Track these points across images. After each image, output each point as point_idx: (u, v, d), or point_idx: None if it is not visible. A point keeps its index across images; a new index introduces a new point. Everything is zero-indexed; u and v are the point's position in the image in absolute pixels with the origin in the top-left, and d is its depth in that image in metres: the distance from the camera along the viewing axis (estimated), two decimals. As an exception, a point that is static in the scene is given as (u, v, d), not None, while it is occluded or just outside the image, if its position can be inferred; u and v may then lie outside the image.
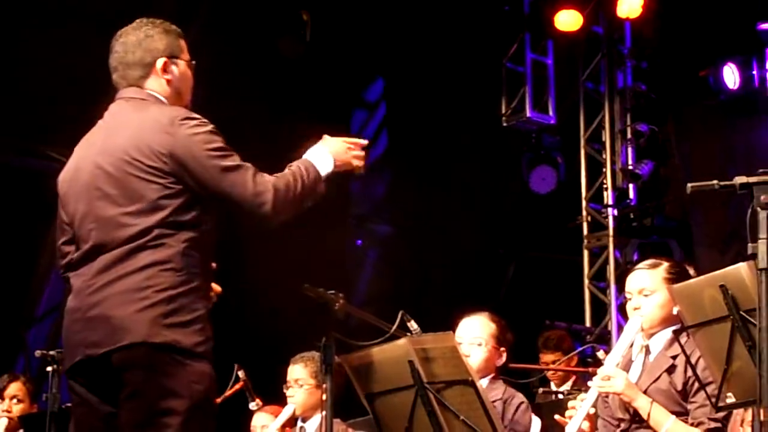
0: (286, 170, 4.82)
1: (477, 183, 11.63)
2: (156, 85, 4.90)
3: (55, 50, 10.25)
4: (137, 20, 5.05)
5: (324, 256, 10.03)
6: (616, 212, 12.01)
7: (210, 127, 4.75)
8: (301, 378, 7.23)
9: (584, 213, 12.10)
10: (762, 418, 4.39)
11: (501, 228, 11.84)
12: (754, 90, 11.64)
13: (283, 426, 7.25)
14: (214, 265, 4.95)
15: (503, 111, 11.77)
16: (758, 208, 4.43)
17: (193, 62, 5.06)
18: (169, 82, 4.91)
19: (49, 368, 6.59)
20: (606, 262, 11.91)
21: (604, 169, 12.18)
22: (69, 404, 6.14)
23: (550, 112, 11.96)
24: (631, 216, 11.97)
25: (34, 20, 10.21)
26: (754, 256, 4.27)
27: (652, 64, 12.33)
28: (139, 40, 4.94)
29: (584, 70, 12.33)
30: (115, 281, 4.58)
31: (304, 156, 4.94)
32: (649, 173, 12.13)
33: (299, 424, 7.32)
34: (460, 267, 11.27)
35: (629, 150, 12.19)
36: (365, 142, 5.15)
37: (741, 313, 4.61)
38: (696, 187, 4.82)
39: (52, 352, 6.59)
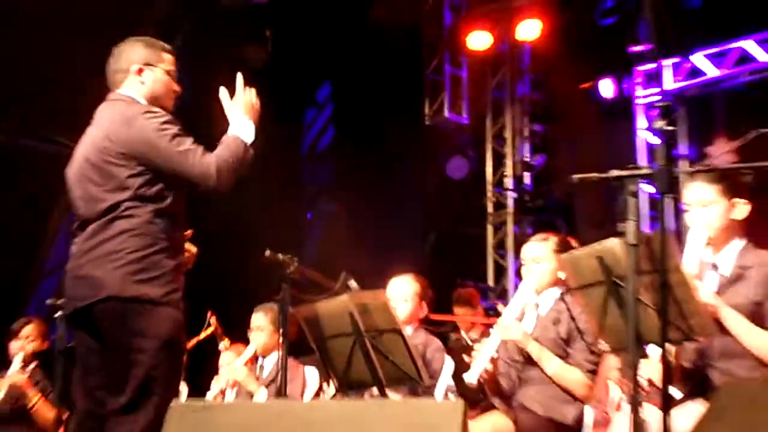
0: (220, 145, 4.91)
1: (405, 170, 11.62)
2: (132, 88, 5.00)
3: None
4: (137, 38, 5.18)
5: (282, 226, 10.00)
6: (515, 195, 12.09)
7: (165, 118, 4.86)
8: (261, 324, 7.26)
9: (489, 195, 12.18)
10: (630, 361, 4.46)
11: (424, 207, 11.79)
12: (625, 99, 11.75)
13: (247, 362, 7.25)
14: (188, 231, 5.16)
15: (426, 113, 11.85)
16: (627, 196, 4.50)
17: (174, 71, 5.12)
18: (143, 84, 4.98)
19: (56, 314, 6.61)
20: (505, 235, 12.01)
21: (505, 161, 12.25)
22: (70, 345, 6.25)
23: (464, 115, 12.04)
24: (527, 198, 12.05)
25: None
26: (624, 234, 4.34)
27: (546, 77, 12.41)
28: (122, 51, 5.08)
29: (492, 81, 12.38)
30: (96, 246, 4.76)
31: (230, 131, 5.00)
32: (542, 165, 12.26)
33: (260, 361, 7.35)
34: (391, 238, 11.27)
35: (526, 146, 12.32)
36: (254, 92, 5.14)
37: (613, 279, 4.67)
38: (580, 178, 4.87)
39: (59, 302, 6.61)
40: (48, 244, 11.74)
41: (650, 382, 4.76)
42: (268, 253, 5.89)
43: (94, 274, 4.69)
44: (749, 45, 10.84)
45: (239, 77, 5.05)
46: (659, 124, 4.22)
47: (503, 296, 11.51)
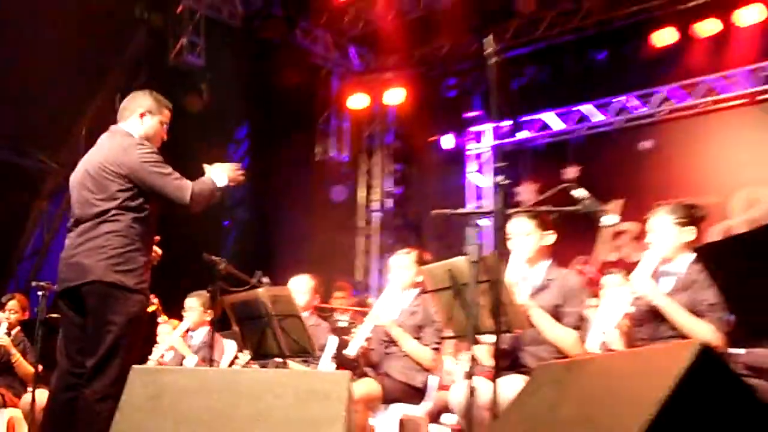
0: (198, 181, 4.94)
1: (300, 193, 11.66)
2: (132, 126, 5.00)
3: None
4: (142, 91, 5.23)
5: (207, 229, 9.94)
6: (380, 215, 12.18)
7: (152, 149, 4.90)
8: (193, 306, 7.17)
9: (360, 214, 12.31)
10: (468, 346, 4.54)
11: (312, 221, 11.80)
12: (459, 150, 11.95)
13: (182, 335, 7.17)
14: (157, 237, 5.08)
15: (317, 151, 11.89)
16: (470, 227, 4.60)
17: (168, 123, 5.17)
18: (141, 125, 5.01)
19: (39, 292, 6.56)
20: (371, 244, 12.13)
21: (373, 190, 12.35)
22: (52, 315, 6.17)
23: (345, 154, 12.11)
24: (388, 218, 12.16)
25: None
26: (467, 254, 4.43)
27: (404, 131, 12.50)
28: (136, 96, 5.09)
29: (366, 131, 12.45)
30: (86, 242, 4.74)
31: (207, 174, 5.05)
32: (400, 194, 12.36)
33: (190, 333, 7.25)
34: (286, 243, 11.30)
35: (389, 180, 12.41)
36: (241, 165, 5.24)
37: (459, 285, 4.78)
38: (437, 213, 4.97)
39: (42, 283, 6.56)
40: (25, 239, 11.47)
41: (475, 359, 4.86)
42: (204, 255, 5.90)
43: (84, 262, 4.67)
44: (549, 117, 11.17)
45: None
46: (498, 178, 4.27)
47: (367, 289, 11.55)
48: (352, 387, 3.89)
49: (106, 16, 9.86)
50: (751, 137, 10.18)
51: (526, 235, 5.31)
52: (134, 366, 4.06)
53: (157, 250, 5.07)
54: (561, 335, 5.16)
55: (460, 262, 4.80)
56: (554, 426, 3.10)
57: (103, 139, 5.00)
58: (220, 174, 5.01)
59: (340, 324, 7.12)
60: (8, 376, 7.52)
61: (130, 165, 4.75)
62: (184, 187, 4.78)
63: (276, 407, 3.70)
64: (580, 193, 4.68)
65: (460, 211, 6.32)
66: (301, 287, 6.71)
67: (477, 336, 4.67)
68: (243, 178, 5.18)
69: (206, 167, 5.09)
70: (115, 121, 5.06)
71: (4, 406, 7.38)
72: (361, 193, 12.36)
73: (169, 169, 4.82)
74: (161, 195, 4.79)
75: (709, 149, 10.51)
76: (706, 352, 2.71)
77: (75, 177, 4.96)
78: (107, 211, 4.71)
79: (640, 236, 10.02)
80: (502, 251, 4.52)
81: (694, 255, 5.00)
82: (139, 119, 4.96)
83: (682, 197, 9.81)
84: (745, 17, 9.73)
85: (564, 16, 10.65)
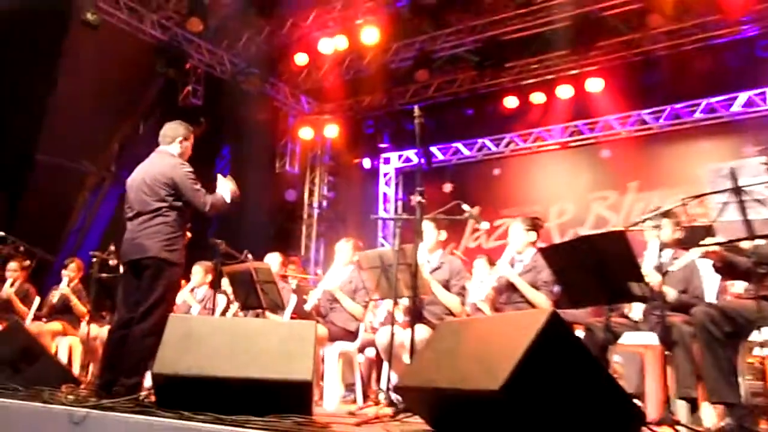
0: (214, 195, 4.88)
1: (264, 195, 11.46)
2: (174, 148, 4.93)
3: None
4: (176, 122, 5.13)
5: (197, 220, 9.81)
6: (318, 211, 12.15)
7: (190, 169, 4.81)
8: (199, 271, 7.08)
9: (305, 210, 12.20)
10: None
11: (271, 214, 11.64)
12: (375, 170, 12.00)
13: (190, 291, 7.10)
14: (189, 234, 5.01)
15: (277, 166, 11.83)
16: (397, 228, 4.71)
17: (189, 142, 5.08)
18: (180, 147, 4.97)
19: (93, 259, 6.46)
20: (312, 231, 12.05)
21: (314, 194, 12.29)
22: (102, 275, 6.05)
23: (296, 169, 12.02)
24: (323, 214, 12.12)
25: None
26: (394, 246, 4.54)
27: (338, 154, 12.46)
28: (173, 126, 5.01)
29: (311, 154, 12.38)
30: (145, 228, 4.65)
31: (217, 190, 4.95)
32: (332, 197, 12.34)
33: (195, 290, 7.15)
34: (256, 231, 11.05)
35: (325, 188, 12.35)
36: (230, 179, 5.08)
37: (386, 266, 4.90)
38: (374, 217, 5.09)
39: (97, 252, 6.45)
40: (73, 220, 11.14)
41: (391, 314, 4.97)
42: (211, 239, 5.91)
43: (143, 242, 4.65)
44: (435, 150, 11.25)
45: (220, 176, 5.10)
46: (418, 198, 4.38)
47: (308, 263, 11.51)
48: (316, 331, 3.99)
49: (137, 66, 9.71)
50: (562, 170, 10.54)
51: (430, 233, 5.49)
52: (171, 314, 4.10)
53: (188, 234, 5.03)
54: (450, 300, 5.35)
55: (387, 250, 4.94)
56: (455, 359, 3.16)
57: (154, 157, 4.95)
58: (227, 191, 4.97)
59: (300, 286, 7.14)
60: (68, 315, 7.41)
61: (176, 179, 4.74)
62: (205, 201, 4.78)
63: (266, 345, 3.77)
64: (467, 207, 4.88)
65: (391, 216, 6.53)
66: (275, 261, 6.77)
67: (397, 299, 4.84)
68: (234, 187, 5.07)
69: (219, 177, 5.03)
70: (138, 140, 5.09)
71: (65, 334, 7.27)
72: (306, 196, 12.23)
73: (199, 185, 4.80)
74: (192, 202, 4.78)
75: (536, 177, 10.76)
76: (554, 315, 2.88)
77: (133, 182, 4.88)
78: (160, 209, 4.70)
79: (490, 232, 10.36)
80: (416, 243, 4.60)
81: (535, 250, 5.25)
82: (179, 144, 4.94)
83: (520, 207, 10.27)
84: (561, 93, 10.07)
85: (446, 84, 10.84)
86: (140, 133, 10.47)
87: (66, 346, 7.16)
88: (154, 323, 4.47)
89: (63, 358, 6.92)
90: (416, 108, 4.28)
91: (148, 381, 4.56)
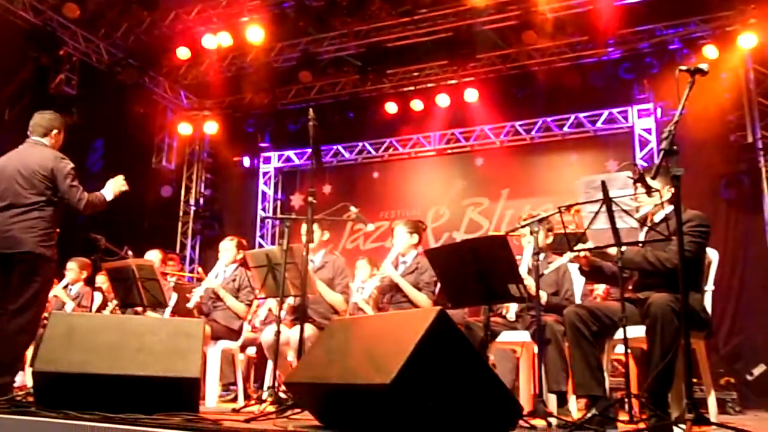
0: (94, 193, 4.74)
1: (139, 190, 10.97)
2: (47, 140, 4.77)
3: None
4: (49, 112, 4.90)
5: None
6: (194, 208, 11.89)
7: (72, 165, 4.68)
8: (74, 267, 6.81)
9: (181, 207, 11.94)
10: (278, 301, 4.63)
11: (146, 210, 11.33)
12: (255, 169, 11.89)
13: (63, 287, 6.80)
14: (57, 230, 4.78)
15: (153, 161, 11.49)
16: (285, 227, 4.73)
17: (62, 134, 4.90)
18: (54, 140, 4.78)
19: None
20: (188, 228, 11.77)
21: (191, 191, 12.02)
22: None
23: (173, 165, 11.71)
24: (200, 210, 11.86)
25: None
26: (281, 245, 4.55)
27: (217, 152, 12.25)
28: (46, 117, 4.82)
29: (189, 149, 12.11)
30: (19, 222, 4.46)
31: (103, 190, 4.83)
32: (209, 195, 11.99)
33: (69, 287, 6.85)
34: (135, 226, 10.77)
35: (202, 184, 12.06)
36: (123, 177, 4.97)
37: (272, 264, 4.90)
38: (264, 216, 5.07)
39: None
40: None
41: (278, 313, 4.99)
42: (90, 234, 5.70)
43: (17, 236, 4.44)
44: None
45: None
46: (310, 198, 4.43)
47: (184, 261, 11.27)
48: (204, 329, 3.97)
49: (5, 50, 9.14)
50: (438, 175, 10.88)
51: (313, 233, 5.54)
52: (54, 311, 3.97)
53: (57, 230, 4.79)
54: (334, 298, 5.45)
55: (275, 249, 4.97)
56: (346, 356, 3.25)
57: (27, 148, 4.72)
58: (109, 190, 4.84)
59: (181, 284, 7.00)
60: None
61: (55, 173, 4.57)
62: (81, 198, 4.62)
63: (154, 342, 3.73)
64: (353, 209, 4.99)
65: (281, 216, 6.49)
66: (154, 258, 6.61)
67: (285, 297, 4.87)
68: (126, 188, 4.99)
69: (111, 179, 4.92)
70: (2, 127, 4.86)
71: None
72: (183, 193, 11.96)
73: (77, 182, 4.64)
74: (67, 199, 4.62)
75: (414, 180, 11.03)
76: (442, 313, 3.04)
77: (3, 171, 4.61)
78: (37, 202, 4.52)
79: (368, 235, 10.55)
80: (307, 242, 4.61)
81: (417, 252, 5.44)
82: (52, 137, 4.75)
83: (398, 210, 10.52)
84: (440, 101, 10.41)
85: (328, 86, 10.94)
86: (5, 120, 9.88)
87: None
88: (27, 321, 4.32)
89: None
90: (310, 110, 4.36)
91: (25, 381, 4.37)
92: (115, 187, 4.89)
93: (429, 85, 10.45)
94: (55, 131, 4.78)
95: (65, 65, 9.50)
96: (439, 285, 5.11)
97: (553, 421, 3.70)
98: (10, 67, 9.71)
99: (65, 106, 9.24)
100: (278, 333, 4.61)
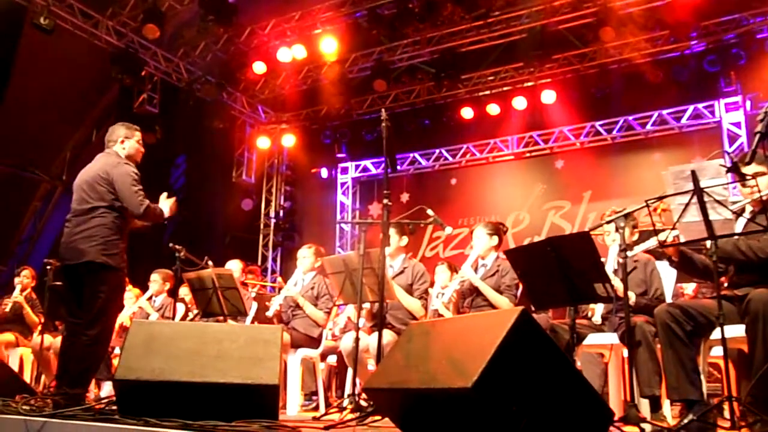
0: (153, 204, 4.67)
1: (220, 202, 11.41)
2: (119, 149, 4.73)
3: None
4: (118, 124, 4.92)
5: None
6: (274, 220, 12.02)
7: (134, 170, 4.59)
8: (157, 279, 6.92)
9: (262, 219, 12.08)
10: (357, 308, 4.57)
11: (227, 223, 11.53)
12: (333, 179, 11.97)
13: (148, 299, 6.94)
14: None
15: (234, 175, 11.65)
16: (362, 231, 4.67)
17: (141, 142, 4.87)
18: (125, 148, 4.73)
19: (48, 267, 6.20)
20: (269, 240, 11.92)
21: (271, 203, 12.17)
22: (56, 283, 5.84)
23: (252, 178, 11.87)
24: (280, 223, 12.03)
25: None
26: (358, 250, 4.50)
27: (295, 164, 12.42)
28: (112, 130, 4.80)
29: (268, 163, 12.28)
30: (81, 231, 4.43)
31: (159, 204, 4.76)
32: (289, 207, 12.23)
33: (153, 298, 6.98)
34: (212, 239, 10.98)
35: (282, 197, 12.23)
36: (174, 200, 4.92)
37: (350, 270, 4.84)
38: (340, 221, 5.02)
39: (50, 260, 6.20)
40: (22, 228, 10.86)
41: (351, 320, 4.93)
42: (171, 245, 5.76)
43: (79, 246, 4.41)
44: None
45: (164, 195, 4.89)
46: (385, 201, 4.34)
47: (266, 272, 11.38)
48: (283, 336, 3.92)
49: (91, 73, 9.51)
50: (517, 179, 10.66)
51: (392, 238, 5.46)
52: (135, 320, 3.98)
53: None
54: (412, 304, 5.33)
55: (351, 255, 4.90)
56: (426, 360, 3.11)
57: (99, 157, 4.73)
58: (166, 207, 4.75)
59: (261, 294, 7.04)
60: (20, 324, 7.20)
61: (114, 176, 4.51)
62: (141, 203, 4.49)
63: (233, 349, 3.68)
64: (431, 212, 4.87)
65: (357, 220, 6.43)
66: (236, 267, 6.66)
67: (362, 304, 4.79)
68: (177, 211, 4.89)
69: (163, 196, 4.84)
70: (91, 148, 4.95)
71: (17, 345, 7.02)
72: (263, 205, 12.11)
73: (139, 187, 4.53)
74: (126, 202, 4.50)
75: (492, 186, 10.86)
76: (525, 313, 2.88)
77: (76, 184, 4.64)
78: (97, 208, 4.47)
79: (447, 242, 10.41)
80: (382, 246, 4.53)
81: (498, 254, 5.26)
82: (121, 144, 4.71)
83: (476, 217, 10.33)
84: (517, 104, 10.19)
85: (403, 94, 10.90)
86: (93, 141, 10.25)
87: (17, 357, 6.91)
88: (99, 331, 4.31)
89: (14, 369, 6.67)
90: (383, 111, 4.25)
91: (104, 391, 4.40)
92: (170, 206, 4.82)
93: (505, 88, 10.27)
94: (121, 138, 4.74)
95: (147, 85, 9.79)
96: (521, 288, 4.92)
97: (647, 427, 3.46)
98: (96, 89, 10.12)
99: (149, 124, 9.51)
100: (357, 339, 4.51)
